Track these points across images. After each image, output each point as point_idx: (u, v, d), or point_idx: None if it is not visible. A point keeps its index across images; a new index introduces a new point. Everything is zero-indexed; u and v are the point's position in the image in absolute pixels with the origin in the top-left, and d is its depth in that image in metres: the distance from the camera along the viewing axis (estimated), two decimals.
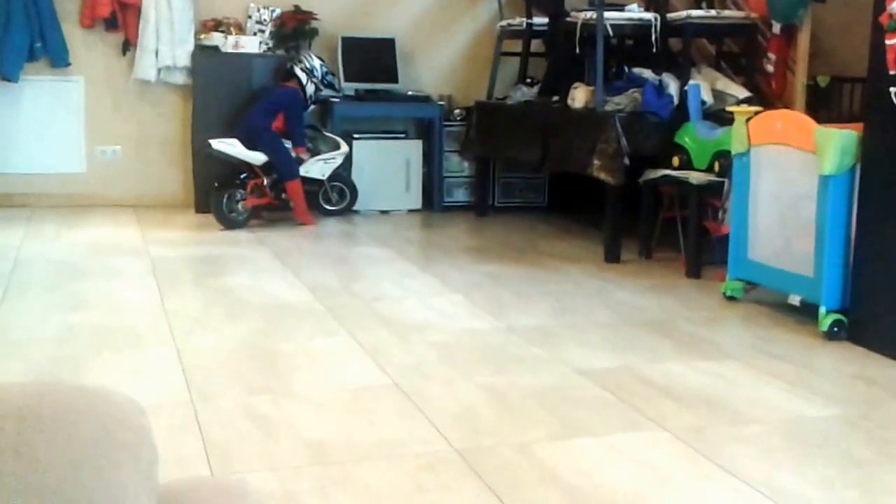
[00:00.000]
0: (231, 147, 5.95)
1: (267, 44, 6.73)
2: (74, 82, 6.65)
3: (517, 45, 6.68)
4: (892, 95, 3.60)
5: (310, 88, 6.38)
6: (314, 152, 6.32)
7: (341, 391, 3.16)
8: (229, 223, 6.02)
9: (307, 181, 6.26)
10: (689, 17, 5.54)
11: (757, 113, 4.47)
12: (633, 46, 6.24)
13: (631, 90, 5.42)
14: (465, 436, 2.79)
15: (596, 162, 5.16)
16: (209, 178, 6.31)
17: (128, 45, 6.67)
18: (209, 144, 5.96)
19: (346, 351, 3.60)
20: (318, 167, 6.31)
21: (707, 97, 5.36)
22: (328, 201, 6.57)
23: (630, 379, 3.35)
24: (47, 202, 6.68)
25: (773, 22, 5.46)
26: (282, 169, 6.05)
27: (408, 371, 3.37)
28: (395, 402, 3.05)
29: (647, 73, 5.52)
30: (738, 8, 5.91)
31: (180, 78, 6.70)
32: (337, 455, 2.63)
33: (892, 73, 3.58)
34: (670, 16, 5.64)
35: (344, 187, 6.59)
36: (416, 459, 2.62)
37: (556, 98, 5.92)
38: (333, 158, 6.36)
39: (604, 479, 2.52)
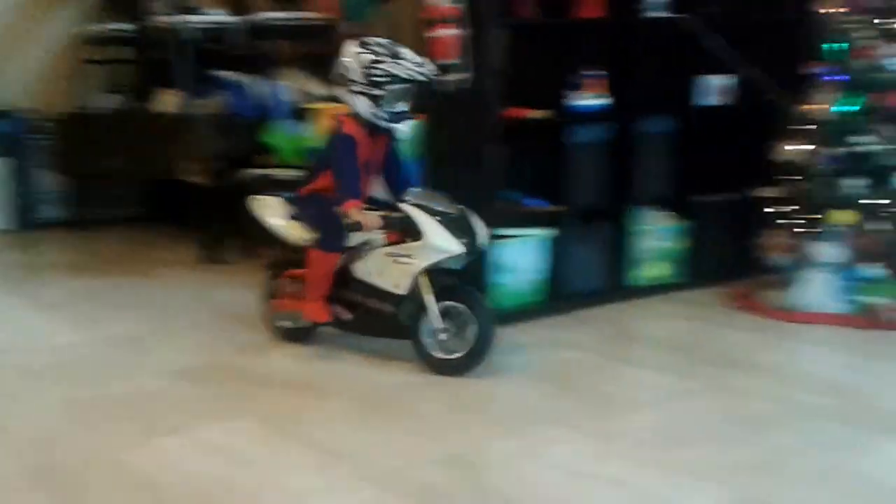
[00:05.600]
0: None
1: None
2: None
3: (106, 52, 6.45)
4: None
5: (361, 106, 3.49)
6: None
7: None
8: None
9: None
10: (268, 19, 5.70)
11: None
12: (219, 50, 6.29)
13: (218, 93, 5.47)
14: (48, 455, 2.71)
15: (186, 165, 5.16)
16: None
17: None
18: None
19: None
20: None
21: (292, 96, 5.56)
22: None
23: (218, 373, 3.45)
24: None
25: (344, 22, 5.77)
26: None
27: None
28: None
29: (234, 76, 5.61)
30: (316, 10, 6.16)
31: None
32: None
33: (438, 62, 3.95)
34: (252, 19, 5.76)
35: (457, 305, 3.41)
36: None
37: (144, 104, 5.81)
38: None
39: (191, 471, 2.59)
